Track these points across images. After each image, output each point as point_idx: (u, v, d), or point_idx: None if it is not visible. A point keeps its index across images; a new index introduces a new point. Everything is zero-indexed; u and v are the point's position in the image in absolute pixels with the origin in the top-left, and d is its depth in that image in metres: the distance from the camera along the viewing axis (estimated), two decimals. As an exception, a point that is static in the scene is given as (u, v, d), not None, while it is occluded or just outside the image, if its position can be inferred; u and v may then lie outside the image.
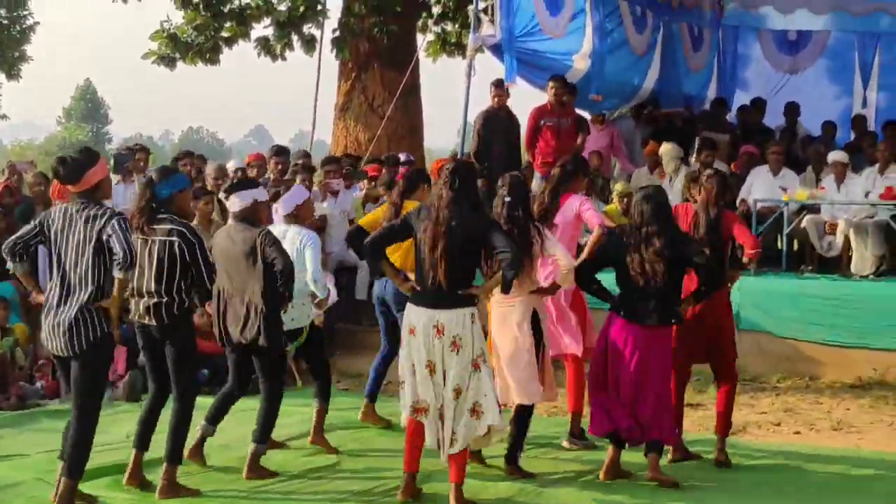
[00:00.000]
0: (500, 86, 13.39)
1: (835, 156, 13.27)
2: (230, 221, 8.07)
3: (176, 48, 17.22)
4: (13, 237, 7.05)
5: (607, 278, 7.94)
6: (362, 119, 17.82)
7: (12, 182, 13.24)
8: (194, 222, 10.37)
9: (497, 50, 13.52)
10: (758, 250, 8.25)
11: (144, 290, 7.24)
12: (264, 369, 8.00)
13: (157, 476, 7.42)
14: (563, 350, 8.50)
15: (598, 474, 7.83)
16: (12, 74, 33.78)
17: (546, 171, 13.16)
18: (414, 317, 7.15)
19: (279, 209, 8.64)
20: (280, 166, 12.94)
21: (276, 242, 7.76)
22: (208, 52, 17.29)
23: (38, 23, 34.43)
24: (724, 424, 8.26)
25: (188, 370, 7.47)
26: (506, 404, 7.75)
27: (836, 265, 12.61)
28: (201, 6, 17.12)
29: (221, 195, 8.16)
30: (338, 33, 17.21)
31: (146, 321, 7.30)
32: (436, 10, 18.99)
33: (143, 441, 7.51)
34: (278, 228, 8.38)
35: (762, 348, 11.31)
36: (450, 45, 19.66)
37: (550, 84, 13.47)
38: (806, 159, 14.47)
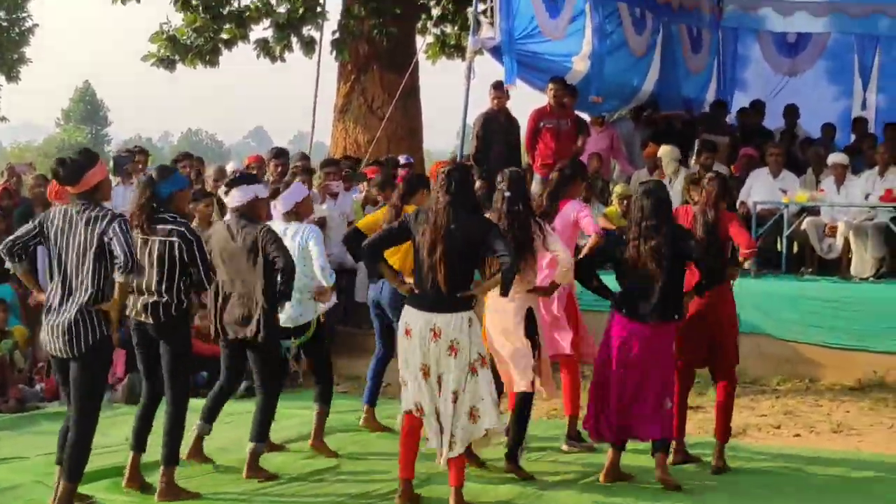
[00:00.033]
0: (499, 88, 13.38)
1: (835, 158, 13.28)
2: (229, 216, 8.07)
3: (175, 50, 17.20)
4: (11, 237, 7.04)
5: (608, 279, 7.94)
6: (362, 121, 17.80)
7: (11, 184, 13.23)
8: (194, 224, 10.39)
9: (496, 52, 13.52)
10: (753, 250, 8.25)
11: (144, 287, 7.24)
12: (261, 367, 7.99)
13: (156, 478, 7.41)
14: (557, 350, 8.50)
15: (599, 477, 7.83)
16: (11, 76, 33.81)
17: (545, 173, 13.17)
18: (411, 319, 7.14)
19: (278, 207, 8.64)
20: (279, 168, 12.93)
21: (277, 240, 7.77)
22: (208, 54, 17.27)
23: (37, 25, 34.52)
24: (723, 430, 8.25)
25: (182, 371, 7.46)
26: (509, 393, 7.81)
27: (836, 267, 12.62)
28: (201, 8, 17.10)
29: (222, 189, 8.16)
30: (337, 35, 17.20)
31: (143, 319, 7.30)
32: (435, 12, 18.98)
33: (139, 442, 7.50)
34: (277, 226, 8.37)
35: (762, 350, 11.29)
36: (449, 48, 19.66)
37: (550, 86, 13.48)
38: (805, 161, 14.47)
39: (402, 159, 14.71)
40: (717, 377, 8.33)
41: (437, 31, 19.36)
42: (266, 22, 17.18)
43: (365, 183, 13.88)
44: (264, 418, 7.99)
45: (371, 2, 17.03)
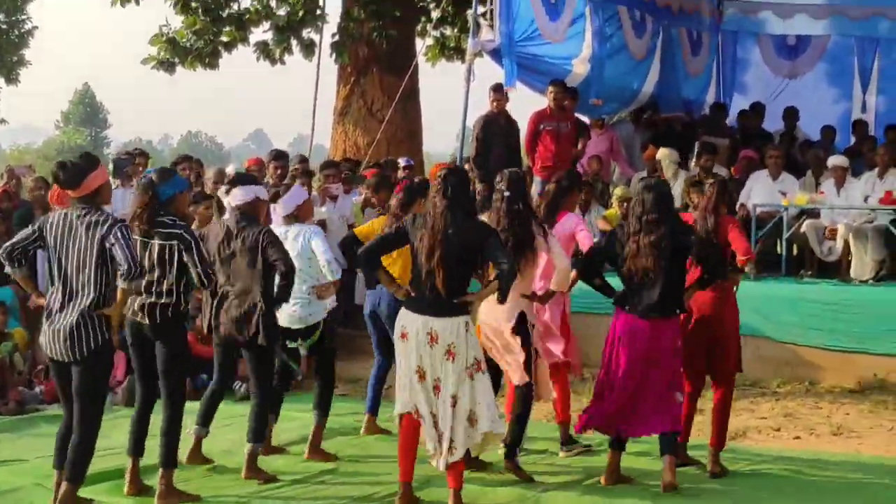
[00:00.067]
0: (498, 90, 13.39)
1: (835, 160, 13.28)
2: (227, 216, 8.07)
3: (175, 53, 17.21)
4: (10, 242, 7.04)
5: (611, 280, 7.94)
6: (361, 123, 17.82)
7: (11, 186, 13.22)
8: (194, 226, 10.39)
9: (496, 54, 13.52)
10: (750, 257, 8.21)
11: (142, 288, 7.24)
12: (256, 367, 8.00)
13: (155, 481, 7.41)
14: (550, 359, 8.50)
15: (599, 479, 7.83)
16: (11, 79, 33.77)
17: (545, 176, 13.19)
18: (407, 322, 7.13)
19: (279, 210, 8.65)
20: (279, 171, 12.92)
21: (278, 242, 7.78)
22: (207, 57, 17.29)
23: (36, 27, 34.44)
24: (718, 437, 8.23)
25: (178, 372, 7.47)
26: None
27: (836, 270, 12.61)
28: (200, 11, 17.11)
29: (223, 188, 8.16)
30: (337, 38, 17.21)
31: (139, 319, 7.30)
32: (435, 14, 18.99)
33: (137, 446, 7.51)
34: (278, 229, 8.38)
35: (762, 353, 11.29)
36: (449, 50, 19.67)
37: (550, 88, 13.48)
38: (805, 164, 14.47)
39: (402, 162, 14.72)
40: (715, 383, 8.32)
41: (436, 33, 19.38)
42: (266, 24, 17.20)
43: (364, 185, 13.88)
44: (260, 419, 8.00)
45: (371, 4, 17.04)
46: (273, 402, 8.62)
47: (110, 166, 13.19)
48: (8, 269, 7.10)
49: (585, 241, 8.54)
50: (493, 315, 7.77)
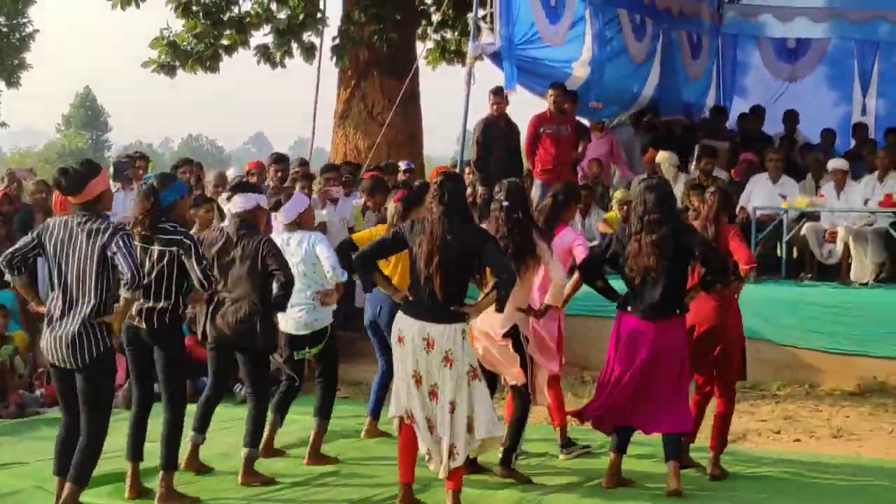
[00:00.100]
0: (498, 93, 13.39)
1: (835, 163, 13.29)
2: (227, 222, 8.08)
3: (176, 56, 17.21)
4: (10, 250, 7.01)
5: (615, 282, 7.95)
6: (362, 127, 17.82)
7: (11, 190, 13.24)
8: (194, 229, 10.39)
9: (497, 58, 13.53)
10: (752, 265, 8.19)
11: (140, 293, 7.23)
12: (252, 373, 8.02)
13: (155, 483, 7.43)
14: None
15: (601, 482, 7.83)
16: (12, 82, 33.81)
17: (545, 179, 13.22)
18: (404, 326, 7.13)
19: (280, 218, 8.66)
20: (280, 174, 12.94)
21: (278, 253, 7.80)
22: (208, 60, 17.28)
23: (37, 30, 34.51)
24: (718, 442, 8.23)
25: (178, 376, 7.49)
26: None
27: (836, 273, 12.62)
28: (201, 14, 17.11)
29: (224, 195, 8.17)
30: (337, 41, 17.22)
31: (136, 323, 7.30)
32: (435, 18, 18.98)
33: (136, 451, 7.51)
34: (281, 236, 8.40)
35: (762, 356, 11.27)
36: (449, 53, 19.68)
37: (550, 92, 13.49)
38: (805, 167, 14.49)
39: (402, 165, 14.72)
40: (718, 391, 8.31)
41: (437, 36, 19.39)
42: (266, 28, 17.21)
43: (360, 189, 13.89)
44: (257, 424, 8.02)
45: (371, 8, 17.05)
46: (279, 406, 8.65)
47: (111, 169, 13.21)
48: (8, 277, 7.09)
49: (581, 257, 8.51)
50: (489, 323, 7.77)
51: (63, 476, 6.91)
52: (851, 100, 17.63)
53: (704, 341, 8.03)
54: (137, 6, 17.20)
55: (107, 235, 6.68)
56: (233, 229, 7.94)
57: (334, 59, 17.24)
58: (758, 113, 16.59)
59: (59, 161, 69.19)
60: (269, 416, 8.55)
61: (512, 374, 7.94)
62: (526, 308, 7.97)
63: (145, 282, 7.18)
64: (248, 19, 17.19)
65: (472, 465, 7.80)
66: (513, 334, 7.86)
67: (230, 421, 9.18)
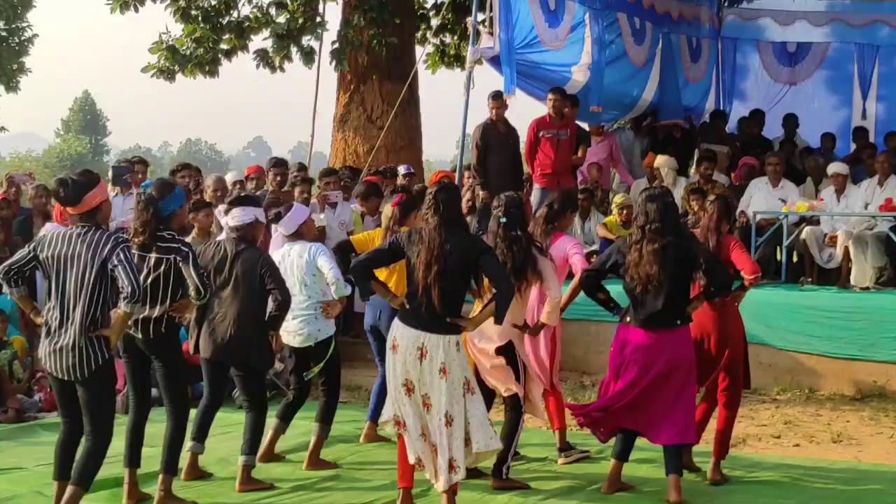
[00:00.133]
0: (497, 98, 13.38)
1: (835, 167, 13.29)
2: (224, 235, 8.06)
3: (175, 60, 17.19)
4: (7, 263, 6.99)
5: (616, 286, 7.92)
6: (361, 131, 17.79)
7: (11, 194, 13.22)
8: (193, 234, 10.39)
9: (496, 62, 13.51)
10: (757, 275, 8.15)
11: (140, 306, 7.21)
12: (248, 386, 8.05)
13: (153, 489, 7.42)
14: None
15: (600, 487, 7.81)
16: (11, 86, 33.80)
17: (545, 183, 13.22)
18: (399, 334, 7.13)
19: (281, 230, 8.67)
20: (279, 178, 12.95)
21: (276, 272, 7.84)
22: (207, 65, 17.26)
23: (36, 35, 34.50)
24: (720, 448, 8.22)
25: (179, 385, 7.50)
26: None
27: (836, 277, 12.60)
28: (200, 18, 17.10)
29: (222, 207, 8.15)
30: (337, 45, 17.19)
31: (132, 332, 7.28)
32: (435, 22, 18.99)
33: (133, 458, 7.50)
34: (281, 249, 8.42)
35: (762, 360, 11.26)
36: (449, 57, 19.67)
37: (549, 96, 13.50)
38: (805, 171, 14.49)
39: (402, 169, 14.72)
40: (722, 397, 8.28)
41: (436, 41, 19.38)
42: (265, 32, 17.17)
43: (353, 195, 13.88)
44: (255, 433, 8.03)
45: (370, 12, 17.03)
46: (284, 414, 8.66)
47: (109, 174, 13.20)
48: (6, 290, 7.07)
49: (578, 264, 8.48)
50: (484, 339, 7.73)
51: (62, 481, 6.90)
52: (851, 104, 17.62)
53: (707, 349, 8.01)
54: (136, 10, 17.18)
55: (107, 248, 6.66)
56: (231, 244, 7.93)
57: (333, 63, 17.21)
58: (757, 117, 16.58)
59: (59, 165, 69.36)
60: (273, 421, 8.55)
61: (505, 388, 7.92)
62: (521, 325, 7.95)
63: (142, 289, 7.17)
64: (247, 23, 17.17)
65: (470, 470, 7.78)
66: (507, 348, 7.84)
67: (229, 426, 9.17)
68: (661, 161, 14.15)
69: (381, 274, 7.94)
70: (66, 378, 6.75)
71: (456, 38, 19.41)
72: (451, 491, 7.10)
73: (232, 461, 8.31)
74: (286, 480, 8.13)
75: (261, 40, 17.40)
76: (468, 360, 7.40)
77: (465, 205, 12.60)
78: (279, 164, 13.39)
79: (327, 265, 8.36)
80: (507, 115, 13.51)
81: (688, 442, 7.76)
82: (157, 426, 7.64)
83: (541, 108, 13.86)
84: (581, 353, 11.74)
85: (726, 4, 18.44)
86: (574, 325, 10.78)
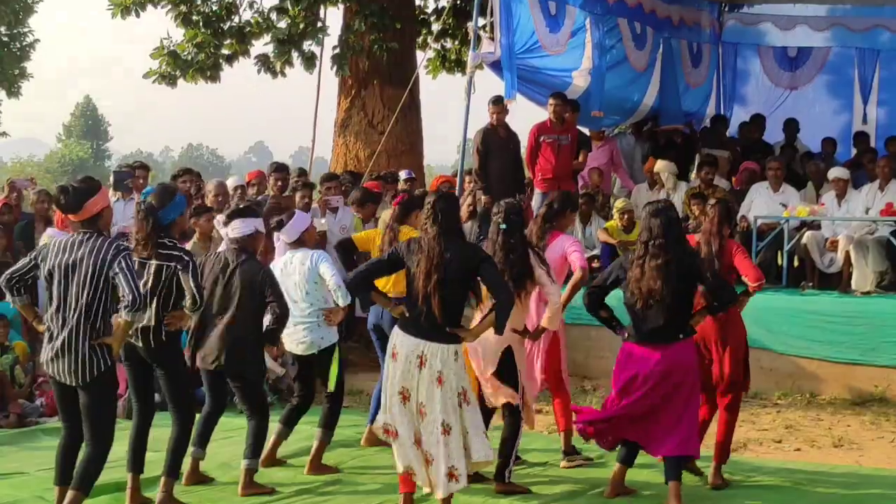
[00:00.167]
0: (497, 103, 13.38)
1: (835, 172, 13.30)
2: (224, 246, 8.07)
3: (176, 65, 17.20)
4: (9, 271, 6.99)
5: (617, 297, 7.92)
6: (362, 136, 17.79)
7: (12, 199, 13.23)
8: (194, 239, 10.40)
9: (497, 67, 13.52)
10: (761, 283, 8.13)
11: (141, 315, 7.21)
12: (247, 395, 8.06)
13: (154, 493, 7.42)
14: (533, 393, 8.51)
15: (602, 491, 7.82)
16: (12, 91, 33.80)
17: (546, 188, 13.22)
18: (398, 342, 7.15)
19: (283, 238, 8.68)
20: (280, 183, 12.96)
21: (276, 285, 7.86)
22: (209, 70, 17.26)
23: (38, 40, 34.48)
24: (721, 452, 8.22)
25: (183, 392, 7.50)
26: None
27: (837, 281, 12.60)
28: (202, 24, 17.10)
29: (221, 219, 8.16)
30: (338, 50, 17.20)
31: (133, 340, 7.29)
32: (436, 27, 18.98)
33: (136, 463, 7.51)
34: (283, 257, 8.44)
35: (763, 365, 11.27)
36: (450, 62, 19.66)
37: (550, 101, 13.51)
38: (806, 175, 14.49)
39: (403, 174, 14.72)
40: (722, 402, 8.27)
41: (437, 46, 19.36)
42: (267, 37, 17.19)
43: (349, 202, 13.88)
44: (258, 437, 8.04)
45: (371, 17, 17.03)
46: (288, 419, 8.67)
47: (111, 179, 13.21)
48: (8, 299, 7.08)
49: (576, 262, 8.48)
50: (483, 344, 7.74)
51: (64, 486, 6.90)
52: (852, 108, 17.60)
53: (708, 354, 8.02)
54: (138, 15, 17.20)
55: (109, 256, 6.66)
56: (231, 255, 7.94)
57: (334, 68, 17.22)
58: (758, 122, 16.59)
59: (60, 170, 69.41)
60: (276, 426, 8.56)
61: (503, 399, 7.90)
62: (521, 330, 7.95)
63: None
64: (248, 29, 17.17)
65: (472, 475, 7.79)
66: (505, 355, 7.84)
67: (231, 431, 9.17)
68: (662, 166, 14.16)
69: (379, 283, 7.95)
70: (67, 382, 6.75)
71: (457, 43, 19.40)
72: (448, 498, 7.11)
73: (234, 466, 8.32)
74: (288, 485, 8.13)
75: (262, 45, 17.43)
76: (467, 370, 7.41)
77: (466, 210, 12.61)
78: (280, 168, 13.40)
79: (329, 272, 8.37)
80: (507, 119, 13.51)
81: (689, 454, 7.71)
82: (160, 431, 7.64)
83: (541, 113, 13.87)
84: (582, 357, 11.73)
85: (727, 9, 18.45)
86: (575, 329, 10.77)
